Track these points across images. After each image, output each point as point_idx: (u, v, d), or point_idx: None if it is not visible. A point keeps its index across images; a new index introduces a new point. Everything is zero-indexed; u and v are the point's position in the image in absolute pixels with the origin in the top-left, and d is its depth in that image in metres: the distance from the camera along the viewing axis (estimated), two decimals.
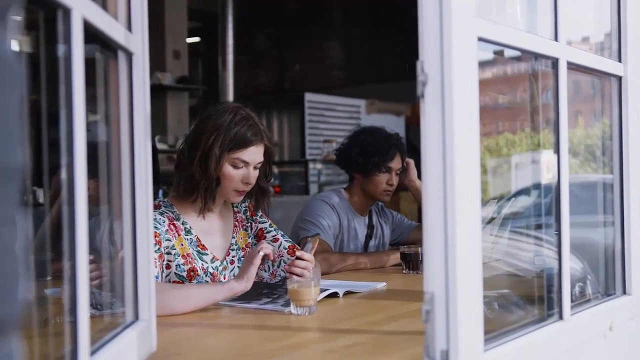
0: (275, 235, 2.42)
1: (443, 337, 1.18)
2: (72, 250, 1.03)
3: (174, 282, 2.16)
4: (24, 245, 0.61)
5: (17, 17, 0.61)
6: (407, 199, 6.64)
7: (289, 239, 2.44)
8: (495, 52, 1.49)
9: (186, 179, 2.21)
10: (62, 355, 1.05)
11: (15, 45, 0.61)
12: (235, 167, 2.21)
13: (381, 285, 2.38)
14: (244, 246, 2.39)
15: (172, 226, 2.20)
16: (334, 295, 2.13)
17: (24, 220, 0.61)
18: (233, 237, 2.37)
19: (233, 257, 2.35)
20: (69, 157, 1.02)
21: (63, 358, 1.03)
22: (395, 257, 2.86)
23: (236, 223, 2.40)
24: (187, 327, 1.82)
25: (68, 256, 1.02)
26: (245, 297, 2.06)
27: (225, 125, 2.18)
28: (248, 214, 2.44)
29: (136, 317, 1.40)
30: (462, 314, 1.18)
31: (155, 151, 1.68)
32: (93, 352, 1.12)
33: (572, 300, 1.57)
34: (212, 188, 2.21)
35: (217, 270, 2.28)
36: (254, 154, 2.23)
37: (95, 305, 1.38)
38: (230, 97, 8.39)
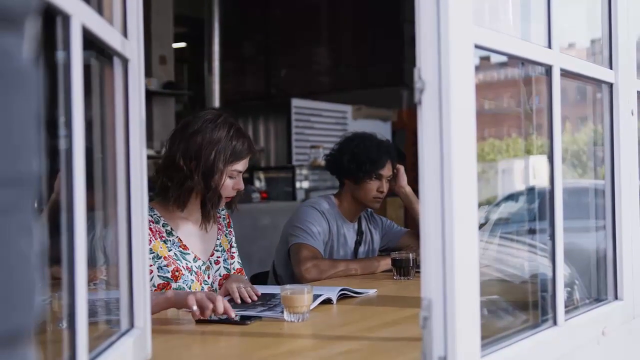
0: (234, 253, 2.54)
1: (441, 343, 1.18)
2: (71, 258, 1.02)
3: (158, 285, 2.18)
4: (39, 254, 0.60)
5: (33, 26, 0.61)
6: (393, 205, 6.65)
7: (240, 262, 2.55)
8: (481, 58, 1.50)
9: (186, 192, 2.27)
10: None
11: (31, 54, 0.60)
12: (231, 177, 2.31)
13: (372, 292, 2.38)
14: (227, 249, 2.48)
15: (149, 230, 2.22)
16: (328, 301, 2.13)
17: (39, 229, 0.61)
18: (218, 239, 2.44)
19: (218, 257, 2.42)
20: (68, 162, 1.01)
21: None
22: (385, 263, 2.87)
23: (219, 227, 2.48)
24: (182, 335, 1.82)
25: (67, 263, 1.01)
26: (241, 306, 2.06)
27: (223, 140, 2.27)
28: (226, 222, 2.53)
29: (131, 324, 1.39)
30: (460, 320, 1.18)
31: None
32: None
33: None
34: (216, 202, 2.30)
35: (201, 270, 2.33)
36: (246, 163, 2.36)
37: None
38: (217, 102, 8.37)
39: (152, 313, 1.88)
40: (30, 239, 0.58)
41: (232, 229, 2.55)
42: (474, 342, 1.23)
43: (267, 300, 2.14)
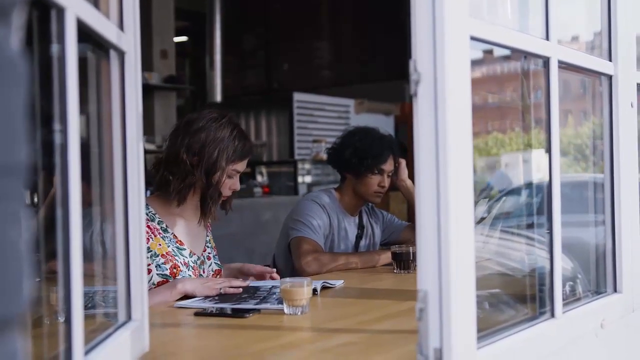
0: (214, 253, 2.55)
1: (436, 335, 1.19)
2: (66, 251, 1.02)
3: (158, 282, 2.20)
4: (28, 243, 0.61)
5: (20, 16, 0.61)
6: (396, 199, 6.66)
7: (219, 263, 2.54)
8: (485, 51, 1.50)
9: (187, 187, 2.29)
10: (56, 355, 1.05)
11: (18, 44, 0.61)
12: (230, 176, 2.34)
13: (339, 283, 2.40)
14: (214, 246, 2.53)
15: (147, 228, 2.24)
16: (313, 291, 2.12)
17: (28, 218, 0.61)
18: (207, 236, 2.49)
19: (209, 253, 2.47)
20: (63, 158, 1.02)
21: (57, 358, 1.03)
22: (386, 257, 2.87)
23: (208, 225, 2.51)
24: (179, 327, 1.82)
25: (62, 257, 1.02)
26: (232, 300, 2.06)
27: (227, 139, 2.30)
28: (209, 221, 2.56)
29: (129, 317, 1.39)
30: (456, 311, 1.18)
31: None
32: (86, 352, 1.11)
33: (563, 299, 1.58)
34: (216, 199, 2.33)
35: (196, 264, 2.37)
36: (245, 164, 2.39)
37: (86, 305, 1.38)
38: (218, 97, 8.37)
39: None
40: (18, 227, 0.59)
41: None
42: (470, 334, 1.23)
43: (253, 293, 2.15)
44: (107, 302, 1.48)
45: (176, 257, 2.28)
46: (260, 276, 2.45)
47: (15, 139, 0.58)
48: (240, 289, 2.17)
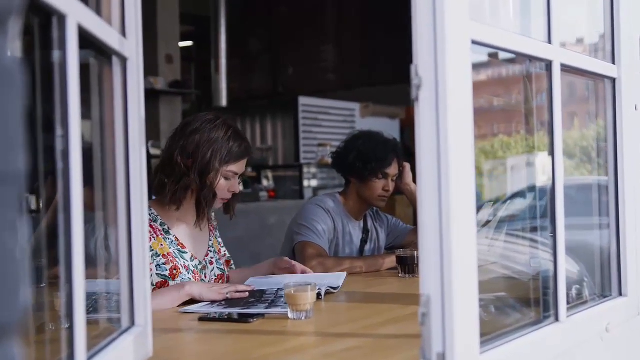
0: (224, 249, 2.57)
1: (439, 340, 1.18)
2: (68, 257, 1.02)
3: (157, 283, 2.20)
4: (24, 250, 0.61)
5: (17, 24, 0.62)
6: (402, 203, 6.65)
7: (222, 268, 2.53)
8: (490, 55, 1.50)
9: (182, 189, 2.29)
10: None
11: (15, 52, 0.61)
12: (226, 178, 2.34)
13: (342, 276, 2.43)
14: (217, 250, 2.51)
15: (149, 228, 2.25)
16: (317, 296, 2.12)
17: (25, 225, 0.62)
18: (210, 240, 2.48)
19: (211, 258, 2.46)
20: (65, 164, 1.02)
21: None
22: (390, 261, 2.86)
23: (211, 228, 2.51)
24: (183, 333, 1.82)
25: (64, 263, 1.02)
26: (240, 305, 2.05)
27: (221, 140, 2.30)
28: (215, 225, 2.57)
29: (132, 322, 1.39)
30: (458, 316, 1.18)
31: (148, 156, 1.75)
32: (89, 358, 1.11)
33: (568, 303, 1.57)
34: (210, 200, 2.32)
35: (197, 269, 2.37)
36: (243, 166, 2.38)
37: (89, 310, 1.38)
38: (224, 101, 8.38)
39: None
40: (15, 234, 0.59)
41: (217, 232, 2.58)
42: (473, 339, 1.23)
43: (260, 297, 2.14)
44: (110, 305, 1.48)
45: (177, 259, 2.29)
46: (290, 270, 2.47)
47: (12, 147, 0.58)
48: (247, 294, 2.17)
